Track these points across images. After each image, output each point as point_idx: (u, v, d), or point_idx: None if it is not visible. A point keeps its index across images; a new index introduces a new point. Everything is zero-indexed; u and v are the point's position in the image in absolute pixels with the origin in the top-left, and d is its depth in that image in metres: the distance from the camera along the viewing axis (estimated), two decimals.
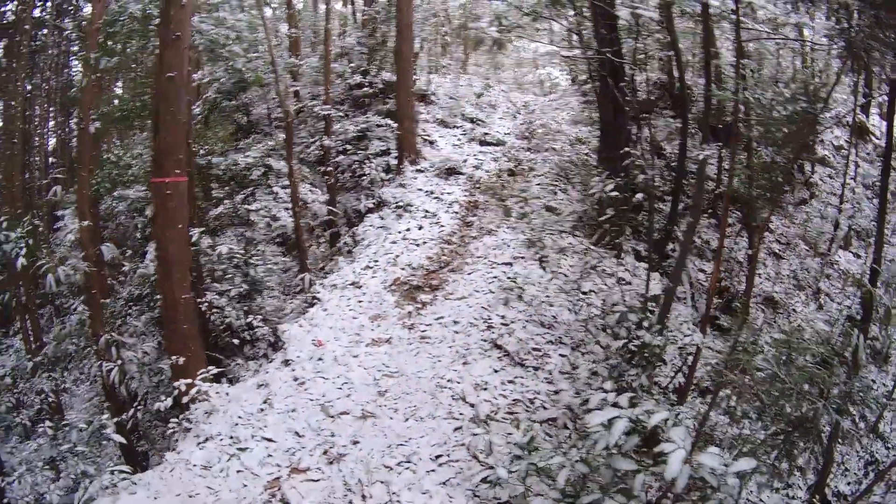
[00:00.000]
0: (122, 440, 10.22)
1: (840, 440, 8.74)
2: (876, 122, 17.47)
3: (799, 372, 7.48)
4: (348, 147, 18.67)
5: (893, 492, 9.00)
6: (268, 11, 20.00)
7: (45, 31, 24.41)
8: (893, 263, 12.25)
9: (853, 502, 9.32)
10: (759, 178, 11.42)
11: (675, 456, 5.42)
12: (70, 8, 26.35)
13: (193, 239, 12.91)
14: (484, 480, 7.21)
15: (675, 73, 13.41)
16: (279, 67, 16.27)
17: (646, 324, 9.05)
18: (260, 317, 14.48)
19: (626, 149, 11.16)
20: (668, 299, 9.85)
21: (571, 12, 13.12)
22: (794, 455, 7.65)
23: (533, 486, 6.92)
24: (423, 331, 11.11)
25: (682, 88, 12.41)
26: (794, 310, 13.65)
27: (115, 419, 10.11)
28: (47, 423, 9.95)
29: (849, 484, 9.82)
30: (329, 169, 17.62)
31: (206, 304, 13.81)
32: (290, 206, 16.31)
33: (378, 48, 21.03)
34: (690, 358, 9.94)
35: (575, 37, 14.55)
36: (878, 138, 17.09)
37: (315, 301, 12.69)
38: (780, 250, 14.42)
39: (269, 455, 8.53)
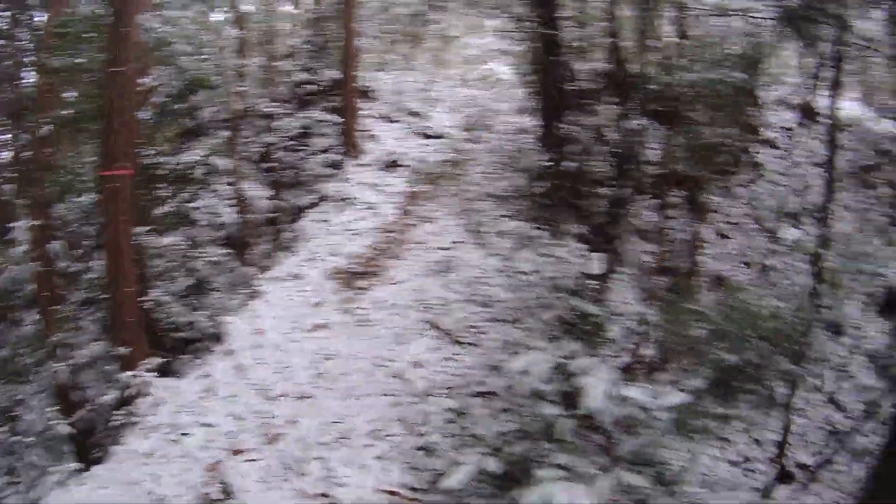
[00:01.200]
0: (72, 431, 10.35)
1: (795, 407, 9.02)
2: (828, 104, 17.78)
3: (741, 318, 7.79)
4: (292, 144, 18.81)
5: (858, 461, 9.16)
6: (216, 14, 20.14)
7: (3, 41, 24.34)
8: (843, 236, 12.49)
9: (816, 472, 9.39)
10: (701, 157, 11.92)
11: (593, 385, 5.45)
12: (26, 19, 26.28)
13: (140, 237, 13.04)
14: (419, 449, 7.44)
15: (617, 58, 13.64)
16: (226, 68, 16.44)
17: (584, 296, 9.27)
18: (206, 312, 14.54)
19: (564, 129, 11.38)
20: (609, 272, 10.41)
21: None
22: (734, 401, 7.90)
23: (467, 453, 6.87)
24: (361, 315, 11.31)
25: (621, 71, 12.79)
26: (742, 287, 13.83)
27: (67, 419, 10.21)
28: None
29: (812, 455, 9.82)
30: (273, 166, 17.83)
31: (152, 301, 13.81)
32: (234, 203, 16.53)
33: (325, 46, 21.11)
34: (638, 338, 10.11)
35: (516, 28, 14.81)
36: (828, 119, 17.44)
37: (258, 294, 12.83)
38: (727, 230, 14.57)
39: (210, 439, 8.71)
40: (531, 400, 6.31)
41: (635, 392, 5.61)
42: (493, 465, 6.19)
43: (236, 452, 8.40)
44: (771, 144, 16.54)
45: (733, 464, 9.44)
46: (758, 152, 16.15)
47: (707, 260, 13.31)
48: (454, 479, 6.35)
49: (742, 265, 13.77)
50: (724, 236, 14.40)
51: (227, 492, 7.79)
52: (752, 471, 9.42)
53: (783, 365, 7.93)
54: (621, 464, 6.08)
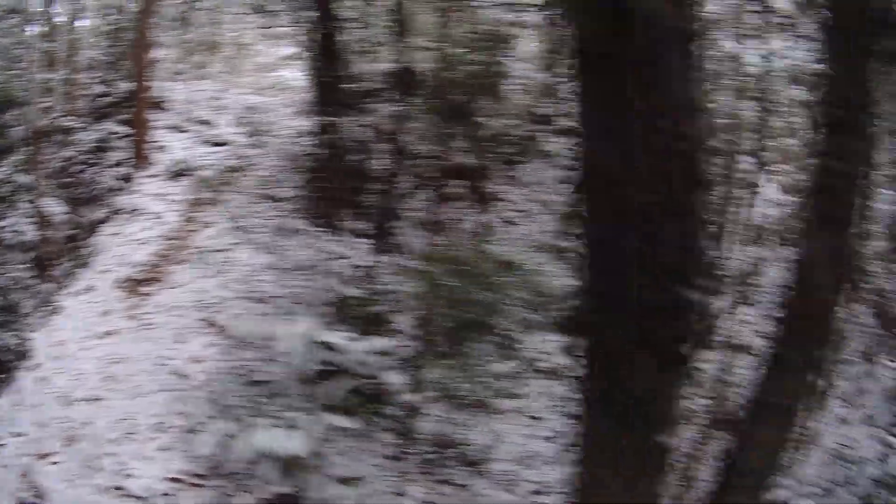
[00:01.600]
0: None
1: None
2: None
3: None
4: (89, 157, 19.19)
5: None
6: (32, 27, 20.16)
7: None
8: None
9: None
10: (484, 148, 13.06)
11: (286, 331, 6.21)
12: None
13: None
14: (192, 433, 8.66)
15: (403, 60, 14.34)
16: (33, 83, 17.36)
17: (357, 285, 10.47)
18: (15, 331, 14.81)
19: (343, 129, 12.82)
20: (383, 262, 11.51)
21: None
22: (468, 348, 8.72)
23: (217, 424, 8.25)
24: (145, 319, 12.43)
25: (403, 69, 13.83)
26: (535, 270, 13.23)
27: None
28: None
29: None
30: (70, 181, 18.32)
31: None
32: (36, 221, 17.02)
33: (122, 58, 21.49)
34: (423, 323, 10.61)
35: (302, 33, 15.65)
36: None
37: (57, 309, 13.75)
38: (514, 217, 14.98)
39: (20, 447, 9.89)
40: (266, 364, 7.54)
41: (334, 337, 6.59)
42: (233, 428, 7.53)
43: (42, 456, 9.53)
44: (565, 133, 16.00)
45: (548, 439, 9.89)
46: (550, 140, 16.26)
47: (492, 247, 13.34)
48: (200, 447, 7.77)
49: (532, 250, 13.84)
50: (511, 223, 14.81)
51: (39, 495, 8.94)
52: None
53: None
54: (325, 408, 7.33)
